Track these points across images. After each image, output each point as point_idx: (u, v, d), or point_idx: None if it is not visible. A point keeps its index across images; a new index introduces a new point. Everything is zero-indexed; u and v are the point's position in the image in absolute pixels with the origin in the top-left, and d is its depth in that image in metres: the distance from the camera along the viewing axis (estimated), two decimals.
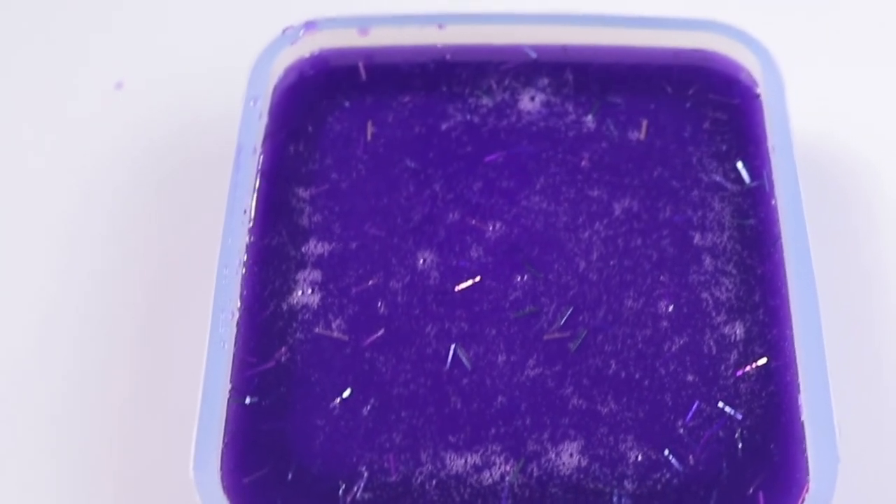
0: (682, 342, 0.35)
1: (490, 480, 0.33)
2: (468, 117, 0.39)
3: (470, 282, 0.36)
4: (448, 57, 0.40)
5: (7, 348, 0.40)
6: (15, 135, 0.45)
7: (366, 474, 0.33)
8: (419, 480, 0.33)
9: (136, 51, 0.47)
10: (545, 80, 0.40)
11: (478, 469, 0.33)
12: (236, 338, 0.35)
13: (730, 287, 0.36)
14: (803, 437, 0.33)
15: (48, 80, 0.46)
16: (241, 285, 0.36)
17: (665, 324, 0.35)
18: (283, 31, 0.40)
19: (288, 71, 0.40)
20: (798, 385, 0.33)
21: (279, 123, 0.40)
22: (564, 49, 0.40)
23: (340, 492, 0.33)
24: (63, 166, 0.44)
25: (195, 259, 0.41)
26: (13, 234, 0.43)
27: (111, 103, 0.45)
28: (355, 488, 0.33)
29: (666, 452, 0.33)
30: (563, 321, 0.35)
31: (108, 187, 0.44)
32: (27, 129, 0.45)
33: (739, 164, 0.38)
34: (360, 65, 0.40)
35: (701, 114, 0.39)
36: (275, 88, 0.40)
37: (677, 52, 0.40)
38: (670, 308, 0.35)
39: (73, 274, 0.41)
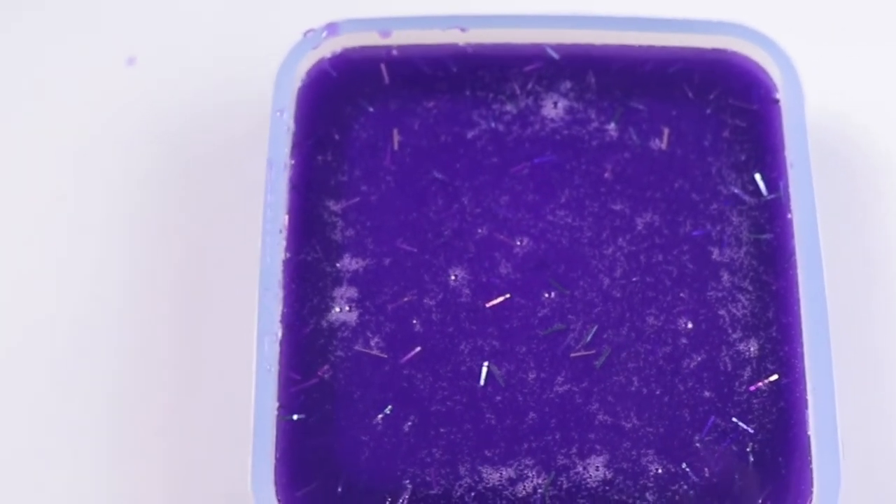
0: (699, 359, 0.43)
1: (524, 492, 0.41)
2: (493, 125, 0.46)
3: (500, 298, 0.44)
4: (470, 51, 0.46)
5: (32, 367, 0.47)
6: (15, 108, 0.50)
7: (410, 488, 0.41)
8: (459, 493, 0.41)
9: (148, 24, 0.51)
10: (567, 84, 0.46)
11: (512, 482, 0.42)
12: (280, 355, 0.43)
13: (745, 304, 0.43)
14: (809, 451, 0.41)
15: (53, 53, 0.51)
16: (282, 303, 0.43)
17: (684, 341, 0.43)
18: (305, 35, 0.46)
19: (310, 71, 0.46)
20: (806, 401, 0.42)
21: (305, 130, 0.46)
22: (587, 49, 0.46)
23: None
24: (71, 152, 0.49)
25: (228, 255, 0.47)
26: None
27: (122, 79, 0.51)
28: (401, 501, 0.41)
29: (683, 465, 0.42)
30: (590, 338, 0.43)
31: (122, 173, 0.49)
32: (30, 104, 0.51)
33: (758, 176, 0.45)
34: (383, 66, 0.47)
35: (721, 120, 0.45)
36: (298, 91, 0.46)
37: (698, 54, 0.46)
38: (689, 325, 0.43)
39: (99, 279, 0.47)
